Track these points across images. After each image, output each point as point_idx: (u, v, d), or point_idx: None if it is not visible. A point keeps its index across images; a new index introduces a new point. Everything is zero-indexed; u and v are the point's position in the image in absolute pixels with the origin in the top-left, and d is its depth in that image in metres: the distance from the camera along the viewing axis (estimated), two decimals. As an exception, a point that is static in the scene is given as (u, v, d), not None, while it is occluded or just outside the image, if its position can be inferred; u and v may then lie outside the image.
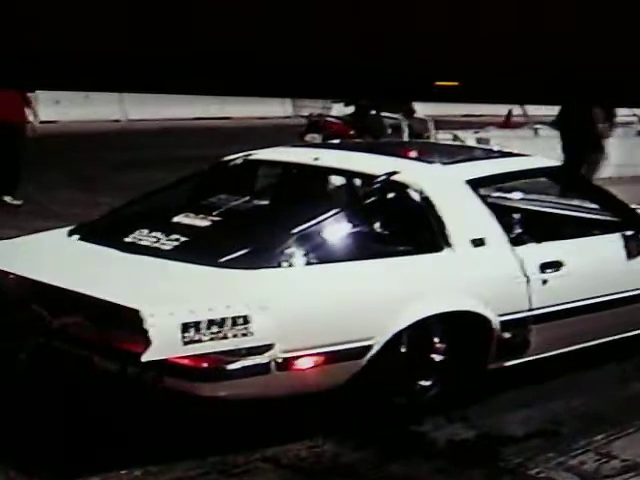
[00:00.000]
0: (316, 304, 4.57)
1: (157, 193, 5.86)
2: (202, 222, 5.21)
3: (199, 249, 4.85)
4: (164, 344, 4.13)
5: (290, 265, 4.61)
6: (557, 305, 5.27)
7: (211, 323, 4.21)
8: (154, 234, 5.05)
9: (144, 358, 4.09)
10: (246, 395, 4.42)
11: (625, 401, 5.29)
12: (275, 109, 24.50)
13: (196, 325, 4.18)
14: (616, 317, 5.61)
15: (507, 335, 5.09)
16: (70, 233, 5.41)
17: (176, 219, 5.27)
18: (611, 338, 5.65)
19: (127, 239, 5.08)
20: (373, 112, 12.83)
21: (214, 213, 5.30)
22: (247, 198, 5.67)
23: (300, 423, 4.67)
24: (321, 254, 4.79)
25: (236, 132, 18.89)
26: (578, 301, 5.36)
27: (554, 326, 5.29)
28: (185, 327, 4.16)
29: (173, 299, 4.33)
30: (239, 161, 5.93)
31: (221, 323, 4.22)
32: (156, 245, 4.95)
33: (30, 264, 4.97)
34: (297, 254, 4.67)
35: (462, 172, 5.42)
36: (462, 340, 4.98)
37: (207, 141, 15.95)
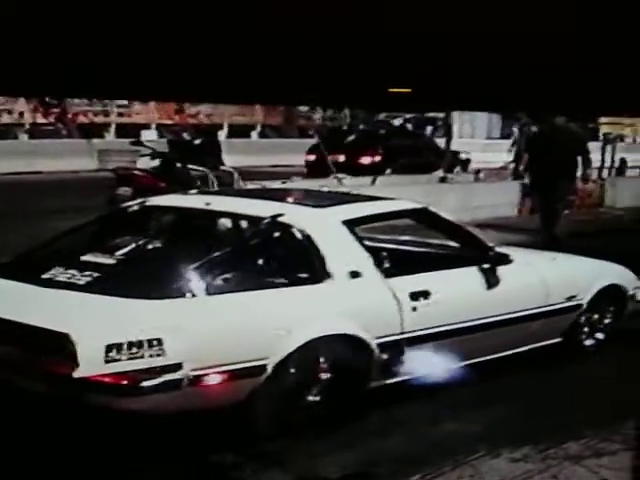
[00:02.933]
0: (217, 328, 5.18)
1: (63, 236, 6.40)
2: (110, 260, 5.80)
3: (112, 283, 5.40)
4: (90, 363, 4.69)
5: (193, 295, 5.23)
6: (426, 329, 6.03)
7: (130, 345, 4.79)
8: (69, 271, 5.59)
9: (75, 375, 4.64)
10: (161, 409, 4.98)
11: (439, 440, 5.51)
12: (84, 162, 24.88)
13: (118, 346, 4.75)
14: (479, 341, 6.41)
15: (385, 356, 5.80)
16: None
17: (86, 258, 5.83)
18: (477, 360, 6.44)
19: (44, 276, 5.61)
20: (179, 165, 13.50)
21: (120, 252, 5.92)
22: (148, 239, 6.28)
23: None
24: (219, 286, 5.41)
25: (47, 186, 19.08)
26: (445, 326, 6.13)
27: (425, 348, 6.04)
28: (108, 348, 4.73)
29: (96, 324, 4.89)
30: (137, 207, 6.54)
31: (138, 344, 4.80)
32: (72, 280, 5.48)
33: None
34: (199, 286, 5.28)
35: (338, 214, 6.15)
36: (345, 360, 5.65)
37: (14, 196, 16.06)
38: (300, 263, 5.84)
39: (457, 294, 6.31)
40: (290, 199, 6.62)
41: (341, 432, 5.48)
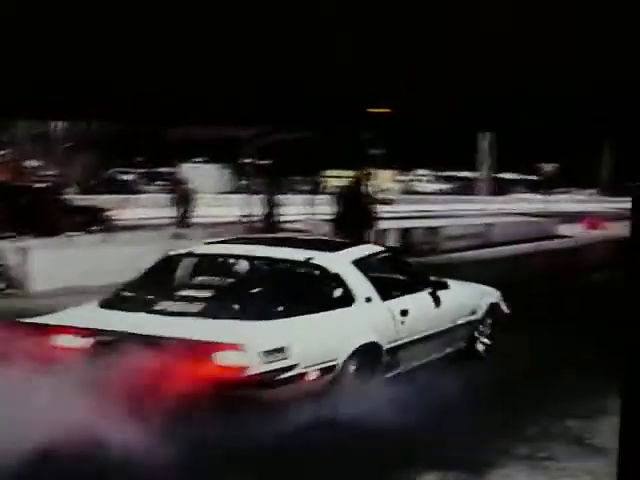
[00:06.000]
0: (312, 339, 7.37)
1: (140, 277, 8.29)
2: (206, 294, 7.79)
3: (225, 310, 7.44)
4: (253, 366, 6.75)
5: (290, 317, 7.40)
6: (407, 338, 8.46)
7: (271, 351, 6.89)
8: (177, 303, 7.56)
9: (241, 375, 6.67)
10: (282, 398, 7.06)
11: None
12: None
13: (267, 352, 6.84)
14: (430, 345, 8.92)
15: (387, 358, 8.18)
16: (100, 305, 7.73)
17: (182, 293, 7.81)
18: (434, 357, 8.95)
19: (157, 308, 7.53)
20: None
21: (205, 288, 7.93)
22: (221, 277, 8.29)
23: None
24: (300, 309, 7.58)
25: None
26: (417, 334, 8.60)
27: (406, 351, 8.47)
28: (262, 354, 6.82)
29: (251, 338, 6.93)
30: (194, 253, 8.56)
31: (276, 351, 6.92)
32: (186, 309, 7.47)
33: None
34: (290, 310, 7.45)
35: (348, 256, 8.50)
36: (370, 362, 7.95)
37: None
38: (332, 292, 8.10)
39: (422, 311, 8.81)
40: (310, 246, 8.80)
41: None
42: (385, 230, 19.93)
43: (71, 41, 7.12)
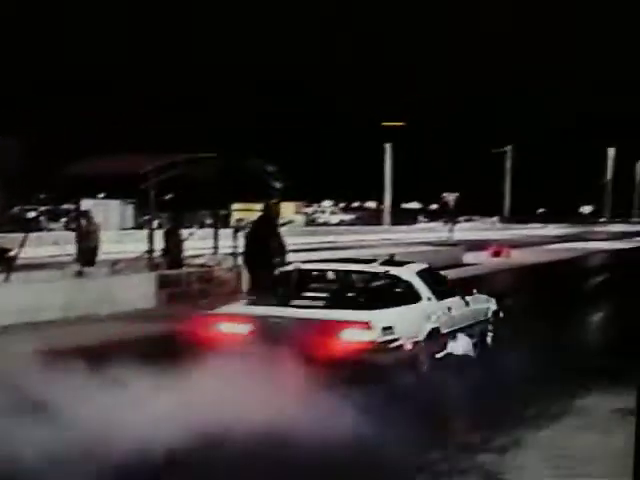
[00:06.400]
0: (407, 320, 10.72)
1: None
2: (322, 294, 11.13)
3: (343, 303, 10.76)
4: (377, 337, 10.06)
5: (391, 307, 10.75)
6: (452, 327, 11.85)
7: (385, 328, 10.22)
8: (304, 301, 10.87)
9: (370, 341, 9.99)
10: (391, 362, 10.26)
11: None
12: None
13: (384, 328, 10.17)
14: (466, 333, 12.32)
15: (443, 340, 11.55)
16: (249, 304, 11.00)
17: (307, 294, 11.12)
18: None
19: (293, 303, 10.81)
20: None
21: (318, 291, 11.27)
22: (324, 284, 11.61)
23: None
24: (396, 302, 10.96)
25: None
26: (457, 325, 11.98)
27: (450, 337, 11.85)
28: (383, 329, 10.15)
29: (374, 318, 10.22)
30: (302, 268, 11.90)
31: (388, 328, 10.25)
32: (314, 303, 10.77)
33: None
34: (390, 301, 10.82)
35: (413, 268, 11.91)
36: (435, 342, 11.30)
37: None
38: (405, 293, 11.47)
39: (459, 310, 12.22)
40: (386, 262, 12.21)
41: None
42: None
43: None
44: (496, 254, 35.98)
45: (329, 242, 36.48)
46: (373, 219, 73.11)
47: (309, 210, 79.13)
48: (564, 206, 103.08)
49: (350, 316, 10.29)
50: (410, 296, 11.40)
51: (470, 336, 12.24)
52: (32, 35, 77.36)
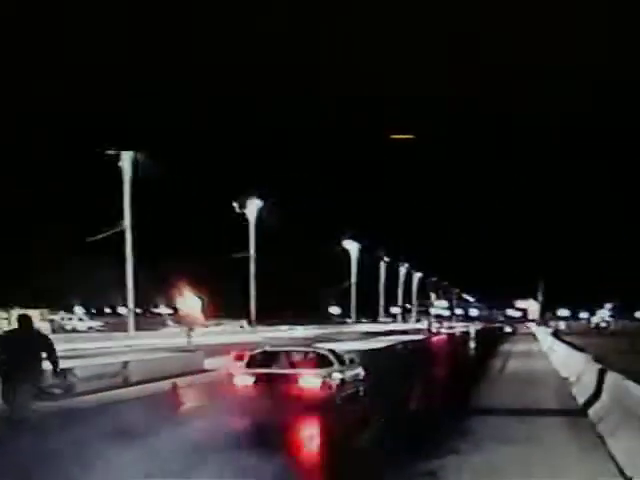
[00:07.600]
0: (330, 374, 20.68)
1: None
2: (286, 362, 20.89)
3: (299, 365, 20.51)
4: (320, 382, 19.80)
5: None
6: (349, 378, 21.83)
7: (325, 375, 19.90)
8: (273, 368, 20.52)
9: (315, 384, 19.80)
10: (325, 395, 19.71)
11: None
12: None
13: (323, 377, 19.83)
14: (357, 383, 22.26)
15: (347, 385, 21.49)
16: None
17: (276, 364, 20.86)
18: None
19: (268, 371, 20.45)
20: None
21: (279, 361, 21.05)
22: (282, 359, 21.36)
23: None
24: (324, 364, 20.83)
25: None
26: (351, 378, 21.99)
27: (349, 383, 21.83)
28: (322, 377, 19.95)
29: (317, 372, 19.96)
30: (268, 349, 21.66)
31: (325, 376, 20.02)
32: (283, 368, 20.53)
33: None
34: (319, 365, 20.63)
35: (327, 348, 21.96)
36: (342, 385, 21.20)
37: None
38: (327, 361, 21.29)
39: (350, 371, 22.16)
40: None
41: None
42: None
43: None
44: (239, 358, 30.42)
45: (72, 349, 32.77)
46: (121, 325, 69.30)
47: (56, 317, 77.85)
48: (313, 307, 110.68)
49: (305, 372, 19.99)
50: (329, 362, 21.03)
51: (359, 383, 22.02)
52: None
